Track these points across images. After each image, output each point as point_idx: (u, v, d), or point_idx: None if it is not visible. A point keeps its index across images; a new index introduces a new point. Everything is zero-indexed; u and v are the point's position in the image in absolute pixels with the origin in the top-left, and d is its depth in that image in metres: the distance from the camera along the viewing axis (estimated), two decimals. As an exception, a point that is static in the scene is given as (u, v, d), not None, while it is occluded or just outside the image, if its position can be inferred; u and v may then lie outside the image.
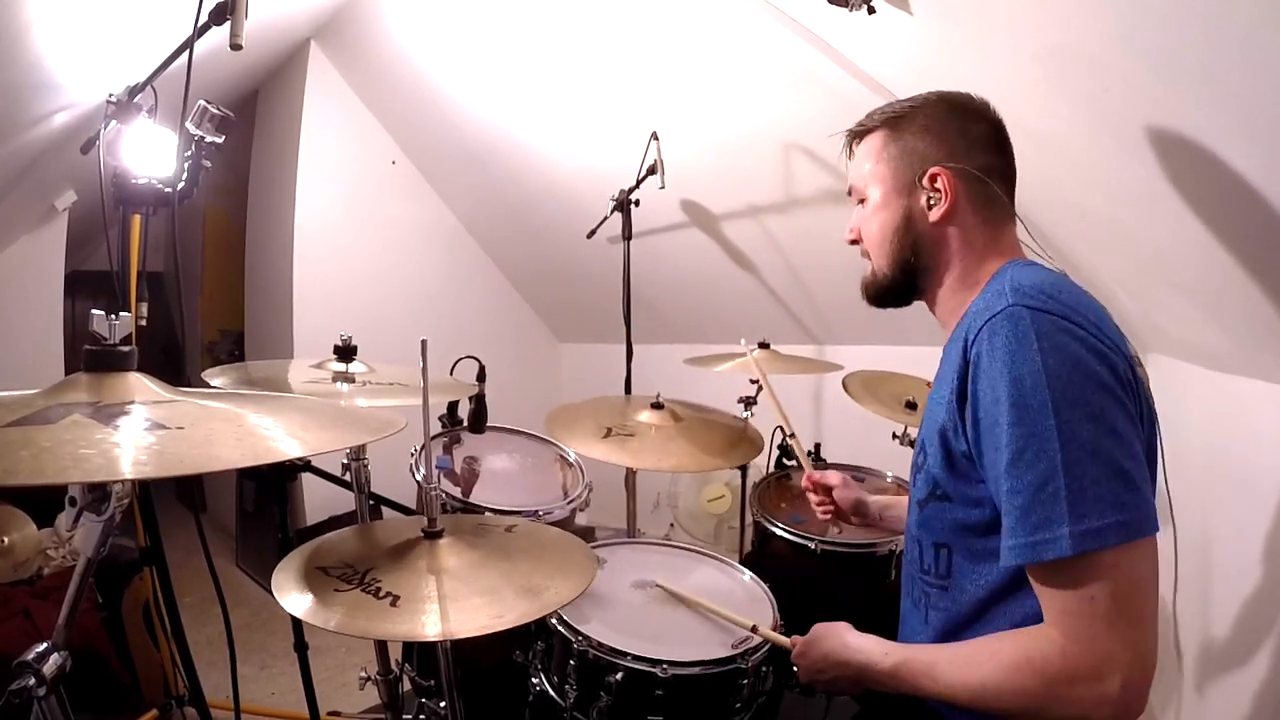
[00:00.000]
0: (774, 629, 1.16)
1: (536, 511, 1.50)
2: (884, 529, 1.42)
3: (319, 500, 2.80)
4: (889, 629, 1.01)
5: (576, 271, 3.28)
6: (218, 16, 1.20)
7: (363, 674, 1.37)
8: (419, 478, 1.46)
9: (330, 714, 2.00)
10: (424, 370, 1.01)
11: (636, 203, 2.30)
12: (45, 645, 0.73)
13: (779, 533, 1.55)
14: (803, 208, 2.30)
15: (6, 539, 1.85)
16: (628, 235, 2.30)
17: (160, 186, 1.57)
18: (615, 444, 1.54)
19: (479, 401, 1.71)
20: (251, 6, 1.18)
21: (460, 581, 0.92)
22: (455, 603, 0.87)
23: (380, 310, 3.07)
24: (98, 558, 0.76)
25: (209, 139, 1.52)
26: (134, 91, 1.51)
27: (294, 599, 0.87)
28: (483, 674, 1.35)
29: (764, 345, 1.92)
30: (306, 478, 1.58)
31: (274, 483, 2.36)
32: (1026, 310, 0.79)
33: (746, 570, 1.36)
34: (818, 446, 2.07)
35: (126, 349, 0.78)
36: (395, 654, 1.44)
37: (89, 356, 0.77)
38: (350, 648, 2.44)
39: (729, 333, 2.90)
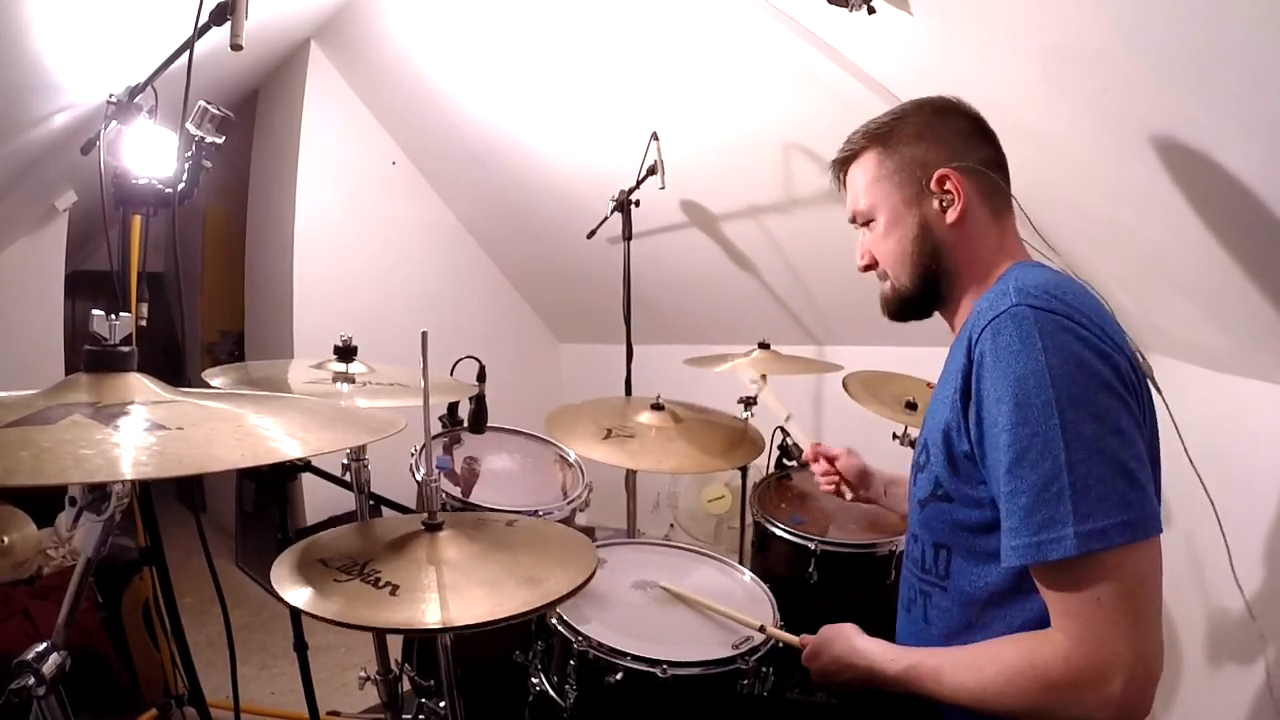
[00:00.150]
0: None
1: (536, 512, 1.50)
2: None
3: (319, 500, 2.80)
4: (889, 629, 1.02)
5: (576, 272, 3.28)
6: (218, 17, 1.20)
7: (362, 674, 1.37)
8: (419, 478, 1.46)
9: (330, 714, 2.00)
10: (424, 362, 1.00)
11: (637, 203, 2.30)
12: (45, 645, 0.73)
13: (779, 533, 1.55)
14: (803, 208, 2.30)
15: (6, 539, 1.84)
16: (628, 235, 2.30)
17: (160, 187, 1.57)
18: (615, 445, 1.54)
19: (479, 402, 1.71)
20: (251, 6, 1.18)
21: (460, 573, 0.91)
22: (455, 593, 0.86)
23: (380, 310, 3.07)
24: (98, 557, 0.77)
25: (209, 139, 1.52)
26: (134, 92, 1.51)
27: (293, 590, 0.86)
28: (482, 674, 1.35)
29: (764, 345, 1.92)
30: (306, 478, 1.57)
31: (274, 483, 2.37)
32: (1030, 310, 0.79)
33: (746, 570, 1.36)
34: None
35: (126, 349, 0.78)
36: (395, 654, 1.44)
37: (89, 357, 0.77)
38: (350, 647, 2.44)
39: (729, 333, 2.92)
